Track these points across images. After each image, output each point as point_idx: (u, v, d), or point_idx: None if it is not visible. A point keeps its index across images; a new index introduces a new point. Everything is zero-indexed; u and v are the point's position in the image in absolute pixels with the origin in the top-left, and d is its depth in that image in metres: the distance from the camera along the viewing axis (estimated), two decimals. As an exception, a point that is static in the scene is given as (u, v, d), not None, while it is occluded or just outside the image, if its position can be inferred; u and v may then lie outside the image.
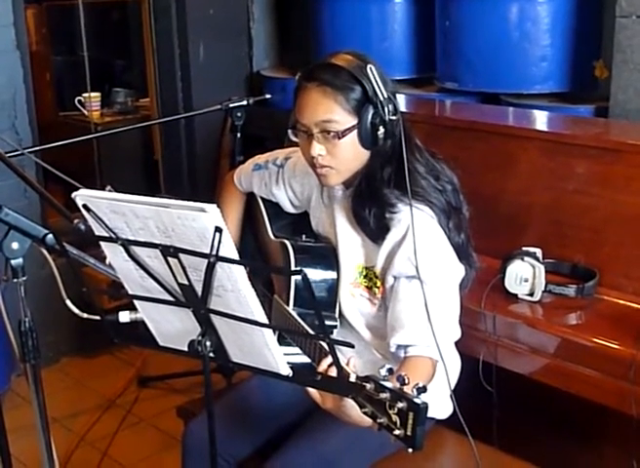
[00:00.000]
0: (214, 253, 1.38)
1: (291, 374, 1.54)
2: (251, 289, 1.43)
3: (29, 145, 3.33)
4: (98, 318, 1.78)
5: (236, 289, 1.43)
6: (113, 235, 1.48)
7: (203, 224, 1.37)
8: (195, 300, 1.50)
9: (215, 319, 1.53)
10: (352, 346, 1.43)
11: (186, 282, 1.47)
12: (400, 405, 1.36)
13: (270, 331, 1.48)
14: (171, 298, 1.54)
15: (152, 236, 1.45)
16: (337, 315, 2.04)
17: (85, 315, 2.00)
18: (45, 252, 1.87)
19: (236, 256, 1.40)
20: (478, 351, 2.31)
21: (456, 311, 1.96)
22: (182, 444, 2.14)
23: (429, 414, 1.98)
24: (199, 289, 1.47)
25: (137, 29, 4.50)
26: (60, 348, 3.80)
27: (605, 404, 2.13)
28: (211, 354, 1.55)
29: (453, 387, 2.07)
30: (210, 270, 1.41)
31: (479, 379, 2.31)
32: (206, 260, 1.40)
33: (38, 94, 3.86)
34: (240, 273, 1.41)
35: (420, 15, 3.65)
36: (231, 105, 3.12)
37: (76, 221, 2.00)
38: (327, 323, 2.03)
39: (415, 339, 1.85)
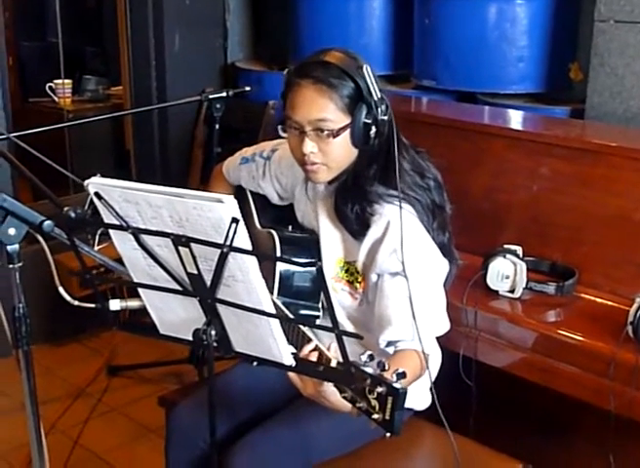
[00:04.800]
0: (228, 243, 1.39)
1: (294, 364, 1.56)
2: (261, 279, 1.44)
3: (3, 131, 3.29)
4: (92, 306, 1.80)
5: (247, 279, 1.44)
6: (124, 223, 1.48)
7: (219, 215, 1.38)
8: (203, 290, 1.50)
9: (221, 308, 1.54)
10: (361, 338, 1.45)
11: (196, 271, 1.48)
12: (379, 389, 1.39)
13: (277, 321, 1.50)
14: (178, 287, 1.54)
15: (165, 225, 1.45)
16: (320, 305, 2.06)
17: (76, 302, 2.00)
18: (41, 239, 1.86)
19: (250, 247, 1.41)
20: (459, 345, 2.35)
21: (442, 304, 1.98)
22: (167, 430, 2.14)
23: (408, 405, 2.05)
24: (208, 278, 1.48)
25: (110, 17, 4.46)
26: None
27: (583, 399, 2.17)
28: (214, 343, 1.57)
29: (433, 380, 2.11)
30: (222, 260, 1.42)
31: (459, 373, 2.35)
32: (218, 250, 1.42)
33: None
34: (252, 264, 1.42)
35: (399, 12, 3.67)
36: (211, 97, 3.08)
37: (66, 209, 2.00)
38: (310, 312, 2.05)
39: (403, 335, 1.87)
